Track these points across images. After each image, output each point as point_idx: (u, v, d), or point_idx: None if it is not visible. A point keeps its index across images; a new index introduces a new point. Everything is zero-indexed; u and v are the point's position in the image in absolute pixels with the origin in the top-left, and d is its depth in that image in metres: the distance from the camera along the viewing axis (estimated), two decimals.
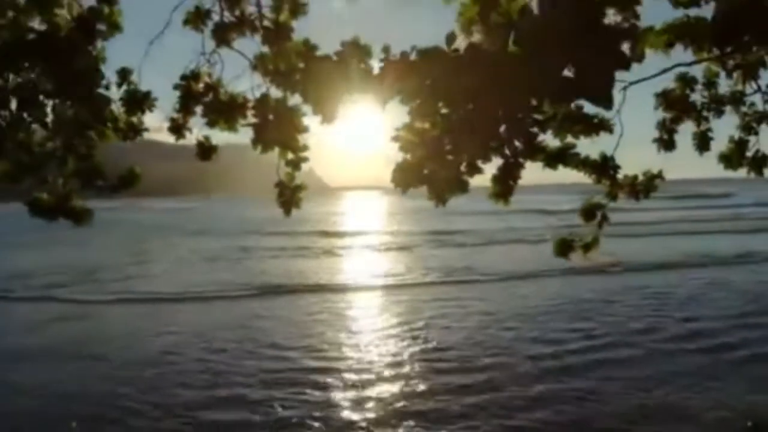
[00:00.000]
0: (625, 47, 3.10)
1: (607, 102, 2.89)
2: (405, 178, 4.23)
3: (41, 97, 3.63)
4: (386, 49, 3.57)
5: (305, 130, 4.51)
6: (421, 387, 9.35)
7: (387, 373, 10.18)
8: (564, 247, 5.50)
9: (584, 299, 16.00)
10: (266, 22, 4.64)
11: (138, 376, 10.08)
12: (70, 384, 9.72)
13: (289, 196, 4.48)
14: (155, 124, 5.71)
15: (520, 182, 4.95)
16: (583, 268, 20.56)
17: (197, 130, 5.23)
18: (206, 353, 11.48)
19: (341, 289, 19.48)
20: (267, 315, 15.07)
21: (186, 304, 17.04)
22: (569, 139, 5.12)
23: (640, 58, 3.32)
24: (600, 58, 2.76)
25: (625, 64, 2.93)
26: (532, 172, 5.25)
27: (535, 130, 4.63)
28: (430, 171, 4.27)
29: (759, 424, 7.23)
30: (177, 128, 5.15)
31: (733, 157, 6.17)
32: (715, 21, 4.15)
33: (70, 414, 8.32)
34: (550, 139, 5.23)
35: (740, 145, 6.14)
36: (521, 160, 4.88)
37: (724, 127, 6.18)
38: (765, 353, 10.64)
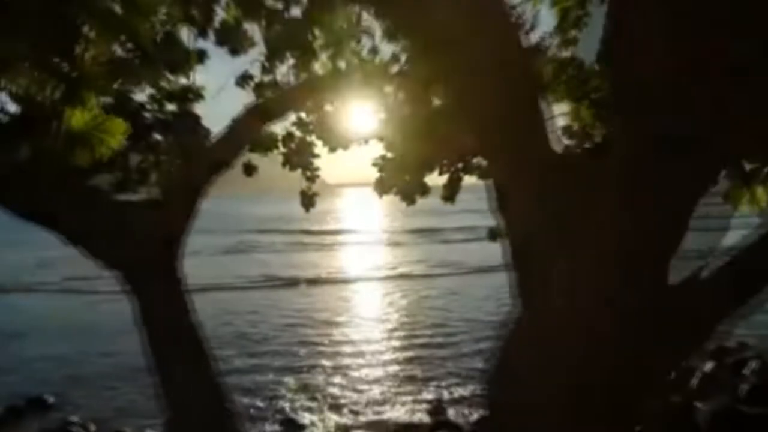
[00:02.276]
0: None
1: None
2: (381, 189, 6.76)
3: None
4: None
5: (318, 156, 7.01)
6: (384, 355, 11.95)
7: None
8: (493, 234, 7.98)
9: None
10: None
11: None
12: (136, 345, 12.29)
13: (308, 199, 6.97)
14: None
15: None
16: None
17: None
18: (228, 318, 14.57)
19: (340, 281, 22.13)
20: (275, 302, 17.63)
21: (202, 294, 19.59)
22: None
23: None
24: None
25: None
26: None
27: (468, 156, 7.21)
28: (398, 183, 6.81)
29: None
30: None
31: None
32: None
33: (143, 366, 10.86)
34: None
35: None
36: (461, 174, 7.43)
37: None
38: None
